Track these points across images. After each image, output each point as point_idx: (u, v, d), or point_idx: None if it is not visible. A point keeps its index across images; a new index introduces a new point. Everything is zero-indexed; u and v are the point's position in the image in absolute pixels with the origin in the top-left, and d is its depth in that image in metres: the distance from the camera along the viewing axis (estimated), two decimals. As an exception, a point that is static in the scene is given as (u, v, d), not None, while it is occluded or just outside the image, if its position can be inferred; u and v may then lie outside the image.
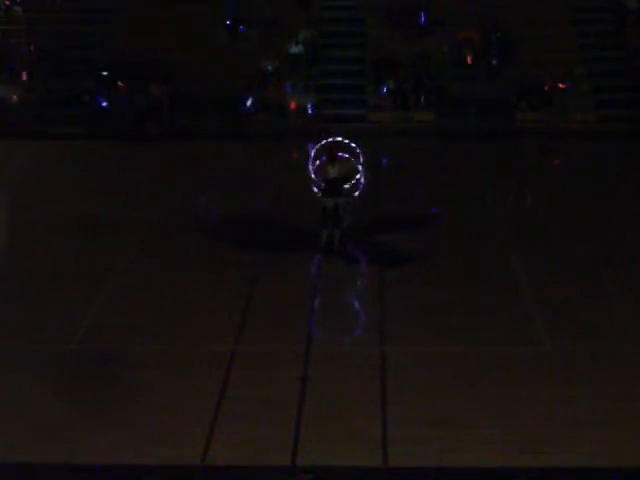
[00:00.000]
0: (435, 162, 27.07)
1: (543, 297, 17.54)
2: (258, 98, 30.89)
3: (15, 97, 31.07)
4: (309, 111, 30.86)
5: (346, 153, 20.44)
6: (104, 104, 30.77)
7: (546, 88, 31.17)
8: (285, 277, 18.68)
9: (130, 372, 14.74)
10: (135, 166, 27.20)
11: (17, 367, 14.92)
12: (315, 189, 20.11)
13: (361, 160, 20.58)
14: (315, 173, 20.30)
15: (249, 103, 30.67)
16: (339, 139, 20.89)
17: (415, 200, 23.08)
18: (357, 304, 18.23)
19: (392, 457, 12.57)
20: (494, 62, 32.28)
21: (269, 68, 31.63)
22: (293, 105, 30.89)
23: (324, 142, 20.71)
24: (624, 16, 33.82)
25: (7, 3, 34.48)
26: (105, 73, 31.50)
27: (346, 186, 19.98)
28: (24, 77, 31.64)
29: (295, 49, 32.43)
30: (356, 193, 20.24)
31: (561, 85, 31.12)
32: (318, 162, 20.35)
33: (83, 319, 16.54)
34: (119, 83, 31.12)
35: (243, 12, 33.34)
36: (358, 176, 20.29)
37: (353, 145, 20.88)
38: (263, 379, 14.52)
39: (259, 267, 19.01)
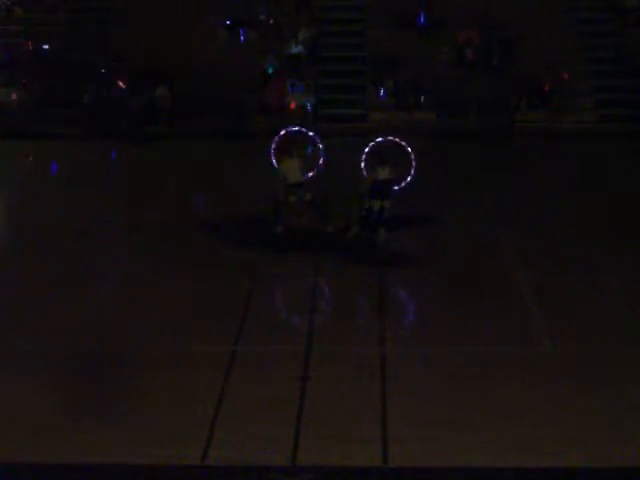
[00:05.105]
0: (435, 162, 27.02)
1: (543, 297, 17.54)
2: (258, 98, 30.90)
3: (15, 97, 31.06)
4: (309, 111, 30.85)
5: (397, 153, 20.62)
6: (104, 104, 30.76)
7: (546, 88, 31.18)
8: (285, 276, 18.70)
9: (130, 372, 14.74)
10: (135, 166, 27.20)
11: (17, 367, 14.92)
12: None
13: (412, 160, 20.77)
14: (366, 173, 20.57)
15: (249, 103, 30.68)
16: (392, 138, 21.01)
17: (414, 200, 23.06)
18: (357, 303, 18.23)
19: (392, 457, 12.57)
20: (494, 62, 32.29)
21: (269, 69, 31.63)
22: (293, 105, 30.89)
23: (375, 142, 20.83)
24: (624, 16, 33.85)
25: (7, 3, 34.49)
26: (104, 70, 31.54)
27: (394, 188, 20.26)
28: (24, 77, 31.62)
29: (295, 49, 32.43)
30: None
31: (561, 78, 31.14)
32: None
33: (82, 319, 16.54)
34: (119, 83, 31.12)
35: (243, 12, 33.38)
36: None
37: (404, 144, 21.02)
38: (263, 379, 14.52)
39: (259, 267, 19.01)
